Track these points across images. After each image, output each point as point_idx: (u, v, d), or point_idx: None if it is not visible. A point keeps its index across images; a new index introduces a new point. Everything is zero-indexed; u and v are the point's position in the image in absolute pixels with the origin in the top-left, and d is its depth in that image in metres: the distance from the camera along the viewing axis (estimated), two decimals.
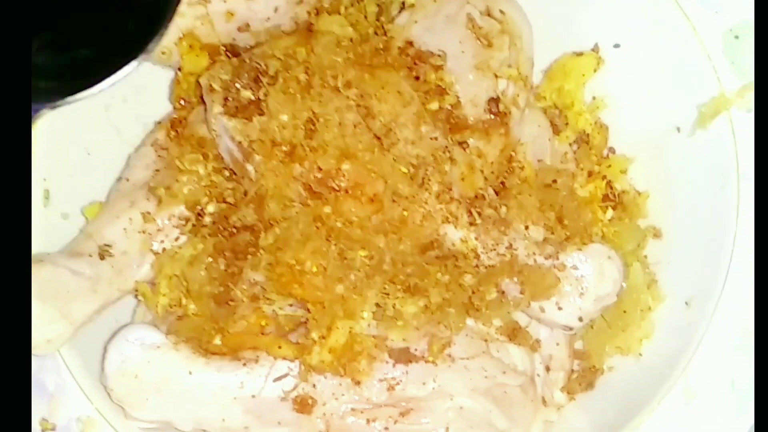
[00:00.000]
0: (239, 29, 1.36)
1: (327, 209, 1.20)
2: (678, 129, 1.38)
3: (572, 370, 1.38)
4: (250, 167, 1.22)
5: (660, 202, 1.42)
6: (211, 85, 1.23)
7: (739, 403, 1.23)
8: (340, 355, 1.18)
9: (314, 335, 1.19)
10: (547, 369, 1.35)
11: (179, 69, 1.36)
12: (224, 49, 1.35)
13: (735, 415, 1.22)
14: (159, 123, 1.39)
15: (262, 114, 1.20)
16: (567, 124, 1.47)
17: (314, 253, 1.18)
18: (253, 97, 1.21)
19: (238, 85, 1.21)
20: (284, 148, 1.19)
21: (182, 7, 1.26)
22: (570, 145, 1.47)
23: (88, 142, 1.41)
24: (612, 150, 1.48)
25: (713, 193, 1.32)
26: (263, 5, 1.34)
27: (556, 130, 1.45)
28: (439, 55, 1.32)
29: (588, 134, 1.47)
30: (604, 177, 1.45)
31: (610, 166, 1.46)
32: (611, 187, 1.44)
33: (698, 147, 1.35)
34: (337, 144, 1.20)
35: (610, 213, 1.42)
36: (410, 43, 1.33)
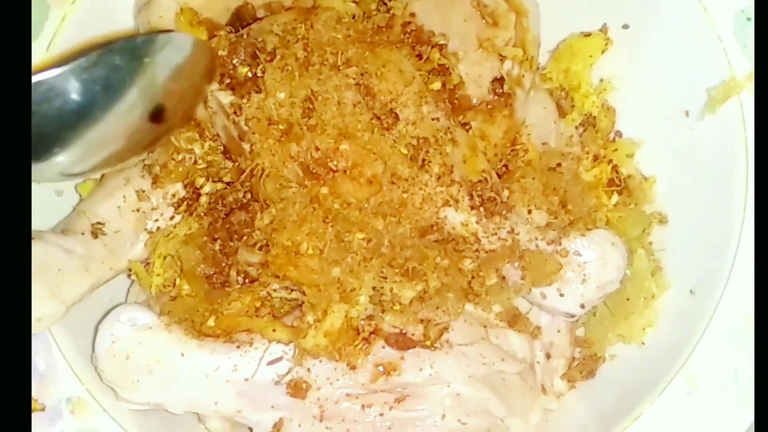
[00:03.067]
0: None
1: (324, 190, 1.17)
2: (687, 113, 1.35)
3: (573, 358, 1.36)
4: (246, 146, 1.20)
5: (666, 188, 1.39)
6: None
7: (742, 395, 1.20)
8: (335, 339, 1.16)
9: (309, 319, 1.16)
10: (548, 356, 1.33)
11: None
12: (229, 20, 1.32)
13: (737, 407, 1.20)
14: None
15: (259, 91, 1.17)
16: (573, 106, 1.44)
17: (310, 235, 1.16)
18: (250, 74, 1.19)
19: (235, 62, 1.19)
20: (281, 127, 1.17)
21: None
22: (576, 128, 1.44)
23: None
24: (619, 133, 1.45)
25: (721, 179, 1.28)
26: None
27: (562, 113, 1.43)
28: (442, 34, 1.29)
29: (594, 117, 1.44)
30: (610, 161, 1.42)
31: (616, 150, 1.43)
32: (617, 172, 1.41)
33: (707, 131, 1.32)
34: (335, 123, 1.17)
35: (615, 198, 1.39)
36: (413, 21, 1.30)
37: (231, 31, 1.29)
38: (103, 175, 1.31)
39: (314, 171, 1.17)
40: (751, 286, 1.22)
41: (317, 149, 1.17)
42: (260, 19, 1.30)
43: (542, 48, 1.41)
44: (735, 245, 1.25)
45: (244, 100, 1.18)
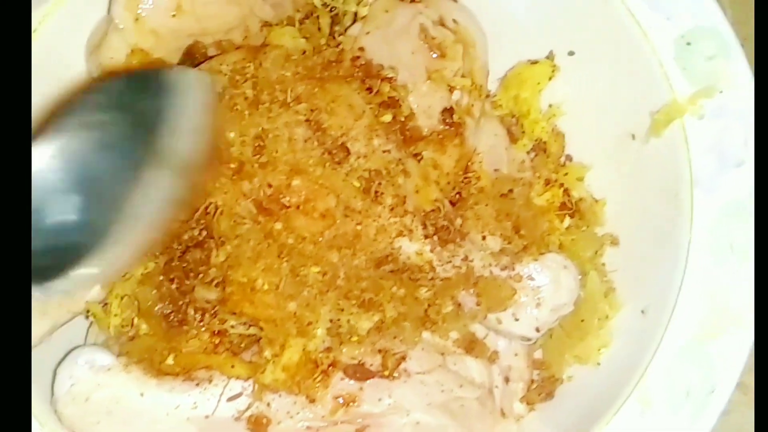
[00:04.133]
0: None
1: (278, 225, 1.19)
2: (633, 136, 1.38)
3: (532, 380, 1.37)
4: None
5: (617, 210, 1.42)
6: None
7: (694, 413, 1.22)
8: (294, 373, 1.17)
9: (267, 354, 1.17)
10: (507, 380, 1.34)
11: None
12: (180, 59, 1.34)
13: (690, 425, 1.22)
14: None
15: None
16: (524, 132, 1.47)
17: (266, 271, 1.17)
18: None
19: None
20: (232, 166, 1.18)
21: (129, 23, 1.27)
22: (527, 153, 1.47)
23: None
24: (569, 157, 1.48)
25: (668, 201, 1.31)
26: (213, 21, 1.33)
27: (513, 139, 1.45)
28: (391, 67, 1.31)
29: (545, 142, 1.47)
30: (562, 185, 1.44)
31: (567, 174, 1.45)
32: (568, 195, 1.43)
33: (652, 154, 1.35)
34: (287, 160, 1.19)
35: (567, 221, 1.41)
36: (362, 55, 1.32)
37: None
38: None
39: (267, 207, 1.19)
40: (699, 306, 1.25)
41: (270, 186, 1.18)
42: (211, 57, 1.32)
43: (491, 76, 1.44)
44: (683, 265, 1.27)
45: None
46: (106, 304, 1.28)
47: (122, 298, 1.26)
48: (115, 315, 1.26)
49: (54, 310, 1.25)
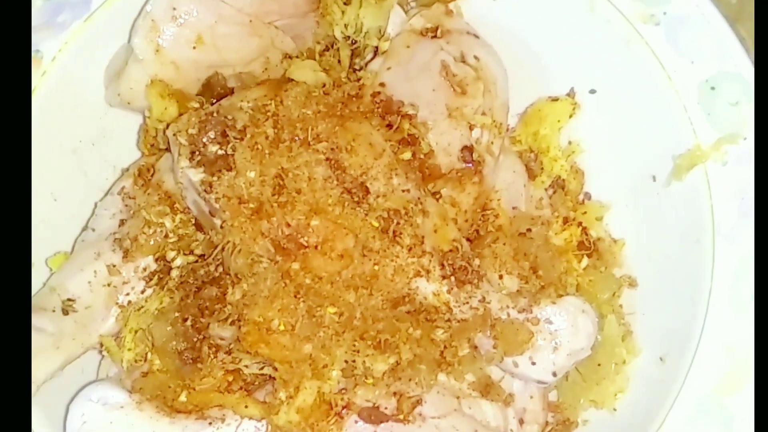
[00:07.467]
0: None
1: (295, 265, 1.17)
2: (654, 178, 1.36)
3: (546, 423, 1.36)
4: (217, 221, 1.20)
5: (636, 251, 1.41)
6: (177, 138, 1.20)
7: None
8: (307, 415, 1.16)
9: (282, 395, 1.16)
10: (521, 422, 1.33)
11: (148, 115, 1.33)
12: (200, 90, 1.34)
13: None
14: (126, 170, 1.37)
15: (229, 169, 1.18)
16: (542, 168, 1.45)
17: (282, 311, 1.16)
18: (220, 152, 1.19)
19: (205, 140, 1.19)
20: (252, 205, 1.17)
21: (149, 54, 1.26)
22: (546, 190, 1.45)
23: (54, 186, 1.38)
24: (588, 195, 1.46)
25: (689, 246, 1.30)
26: (234, 53, 1.32)
27: (531, 175, 1.44)
28: (411, 104, 1.30)
29: (564, 180, 1.45)
30: (580, 223, 1.43)
31: (585, 212, 1.44)
32: (587, 234, 1.42)
33: (674, 198, 1.33)
34: (306, 199, 1.18)
35: (585, 262, 1.40)
36: (383, 91, 1.31)
37: (202, 103, 1.31)
38: (74, 249, 1.31)
39: (285, 247, 1.17)
40: (721, 355, 1.23)
41: (288, 225, 1.17)
42: (231, 89, 1.31)
43: (511, 111, 1.42)
44: (703, 313, 1.26)
45: (215, 178, 1.18)
46: (119, 337, 1.27)
47: (136, 332, 1.25)
48: (129, 349, 1.25)
49: (67, 343, 1.24)
